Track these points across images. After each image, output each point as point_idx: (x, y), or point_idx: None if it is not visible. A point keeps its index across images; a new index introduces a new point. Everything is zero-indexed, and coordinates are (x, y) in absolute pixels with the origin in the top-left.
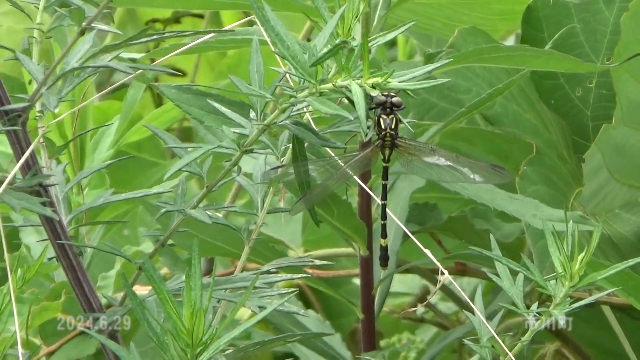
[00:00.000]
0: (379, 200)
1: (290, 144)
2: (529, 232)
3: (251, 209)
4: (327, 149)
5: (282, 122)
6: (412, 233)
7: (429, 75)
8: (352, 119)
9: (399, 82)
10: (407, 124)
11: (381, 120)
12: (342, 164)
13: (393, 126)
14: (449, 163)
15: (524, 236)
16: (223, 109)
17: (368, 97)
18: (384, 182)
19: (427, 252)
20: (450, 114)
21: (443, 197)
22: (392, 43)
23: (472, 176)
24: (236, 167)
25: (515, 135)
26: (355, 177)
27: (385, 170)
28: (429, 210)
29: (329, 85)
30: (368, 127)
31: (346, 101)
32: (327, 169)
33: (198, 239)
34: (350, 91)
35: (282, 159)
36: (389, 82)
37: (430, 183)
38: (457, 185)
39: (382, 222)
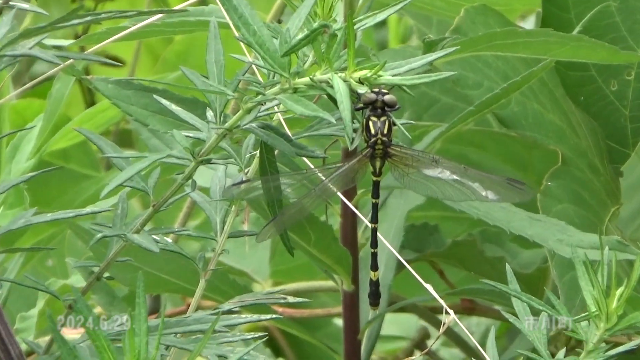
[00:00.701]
0: (367, 222)
1: (257, 153)
2: (553, 262)
3: (208, 233)
4: (304, 159)
5: (247, 125)
6: (408, 262)
7: (430, 67)
8: (334, 121)
9: (393, 75)
10: (402, 127)
11: (371, 123)
12: (323, 178)
13: (385, 130)
14: (454, 177)
15: (547, 266)
16: (173, 107)
17: (354, 95)
18: (374, 201)
19: (428, 286)
20: (455, 112)
21: (446, 217)
22: (382, 22)
23: (483, 193)
24: (190, 181)
25: (536, 141)
26: (338, 193)
27: (376, 186)
28: (429, 234)
29: (306, 79)
30: (354, 132)
31: (327, 98)
32: (304, 184)
33: (142, 272)
34: (331, 87)
35: (246, 171)
36: (379, 76)
37: (431, 200)
38: (464, 203)
39: (372, 250)
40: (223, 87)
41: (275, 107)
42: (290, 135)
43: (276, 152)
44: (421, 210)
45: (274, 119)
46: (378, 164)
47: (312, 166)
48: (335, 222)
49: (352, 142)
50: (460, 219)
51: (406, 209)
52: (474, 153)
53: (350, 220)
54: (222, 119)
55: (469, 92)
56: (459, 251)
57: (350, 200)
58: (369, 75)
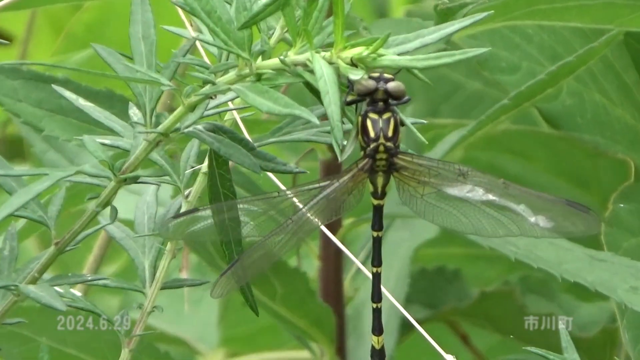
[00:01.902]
0: (359, 264)
1: (203, 168)
2: (624, 320)
3: (132, 282)
4: (271, 176)
5: (190, 129)
6: (418, 322)
7: (448, 42)
8: (316, 121)
9: (398, 55)
10: (412, 128)
11: (369, 122)
12: (299, 206)
13: (390, 132)
14: (490, 197)
15: (616, 327)
16: (80, 103)
17: (344, 83)
18: (375, 234)
19: (448, 358)
20: (485, 103)
21: (471, 257)
22: None
23: (532, 219)
24: (108, 209)
25: (598, 146)
26: (321, 226)
27: (378, 213)
28: (447, 282)
29: (274, 61)
30: (345, 136)
31: (304, 88)
32: (271, 216)
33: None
34: (311, 72)
35: (187, 194)
36: (380, 56)
37: (448, 232)
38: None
39: (374, 304)
40: (154, 74)
41: (230, 103)
42: (252, 141)
43: (231, 165)
44: (434, 246)
45: (226, 118)
46: (380, 180)
47: (283, 187)
48: (312, 266)
49: (342, 151)
50: (490, 259)
51: (413, 246)
52: (511, 163)
53: (333, 263)
54: (153, 119)
55: (501, 77)
56: (489, 307)
57: (334, 234)
58: (365, 54)
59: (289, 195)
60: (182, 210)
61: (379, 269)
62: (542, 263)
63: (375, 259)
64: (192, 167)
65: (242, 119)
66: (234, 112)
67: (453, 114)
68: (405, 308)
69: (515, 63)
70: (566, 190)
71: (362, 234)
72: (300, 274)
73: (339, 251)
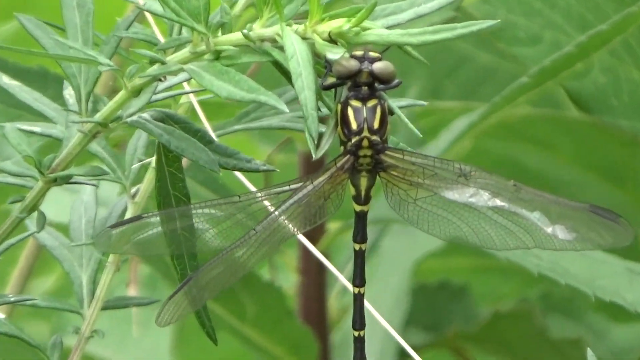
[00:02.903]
0: (345, 282)
1: (153, 163)
2: None
3: (66, 301)
4: (238, 175)
5: (135, 117)
6: (417, 349)
7: (458, 9)
8: (284, 108)
9: (387, 28)
10: (404, 118)
11: (350, 111)
12: (270, 209)
13: (376, 123)
14: (498, 203)
15: None
16: (5, 82)
17: (322, 62)
18: (358, 247)
19: None
20: (498, 82)
21: (481, 270)
22: None
23: (549, 229)
24: (35, 214)
25: (637, 133)
26: (298, 235)
27: (361, 221)
28: (452, 299)
29: (236, 36)
30: (322, 127)
31: (272, 68)
32: (238, 221)
33: None
34: (281, 48)
35: (133, 194)
36: (365, 30)
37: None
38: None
39: (356, 332)
40: (91, 51)
41: (185, 85)
42: (213, 129)
43: (184, 162)
44: (438, 257)
45: (182, 102)
46: (364, 182)
47: (252, 187)
48: (289, 280)
49: (318, 146)
50: (504, 272)
51: (413, 257)
52: (531, 156)
53: (315, 277)
54: (89, 106)
55: (519, 49)
56: (503, 329)
57: (315, 244)
58: (346, 28)
59: (254, 200)
60: (128, 212)
61: (361, 289)
62: (571, 278)
63: (358, 277)
64: (141, 161)
65: (202, 102)
66: (191, 95)
67: (459, 93)
68: (404, 331)
69: (536, 33)
70: (597, 187)
71: (349, 245)
72: (275, 290)
73: (321, 265)
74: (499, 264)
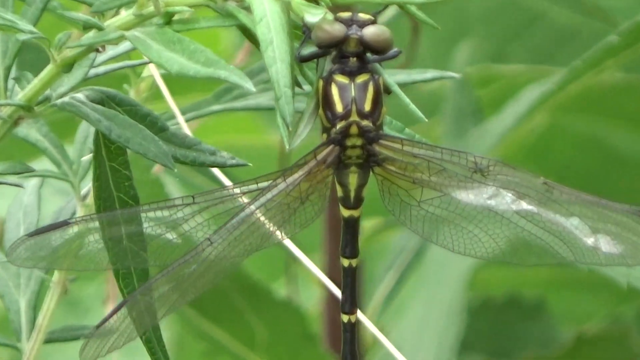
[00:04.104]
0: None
1: (92, 156)
2: None
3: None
4: (218, 174)
5: (65, 99)
6: None
7: None
8: (250, 86)
9: None
10: (405, 98)
11: (335, 88)
12: (246, 205)
13: (368, 105)
14: (525, 205)
15: None
16: None
17: (299, 26)
18: (347, 262)
19: None
20: (578, 43)
21: (558, 281)
22: None
23: (589, 240)
24: None
25: None
26: (289, 246)
27: (351, 230)
28: (524, 317)
29: None
30: (298, 112)
31: (240, 35)
32: (194, 227)
33: None
34: (248, 9)
35: (84, 191)
36: None
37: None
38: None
39: None
40: (9, 15)
41: (133, 57)
42: (179, 115)
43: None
44: (502, 266)
45: (145, 75)
46: (353, 179)
47: (228, 182)
48: (311, 298)
49: (292, 135)
50: (589, 285)
51: (470, 265)
52: (622, 134)
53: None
54: (10, 83)
55: (608, 1)
56: (591, 354)
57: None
58: None
59: (212, 201)
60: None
61: (352, 317)
62: None
63: (347, 301)
64: (87, 158)
65: (167, 77)
66: (152, 67)
67: (530, 58)
68: (461, 357)
69: None
70: None
71: (390, 244)
72: (292, 309)
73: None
74: (581, 275)
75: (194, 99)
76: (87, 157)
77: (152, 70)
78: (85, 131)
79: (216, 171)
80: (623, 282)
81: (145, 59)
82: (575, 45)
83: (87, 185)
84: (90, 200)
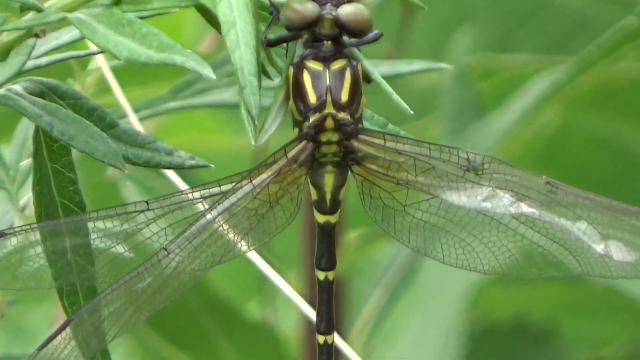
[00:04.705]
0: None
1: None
2: None
3: None
4: (169, 172)
5: (1, 91)
6: None
7: None
8: (209, 73)
9: None
10: (387, 87)
11: (307, 76)
12: (205, 214)
13: (345, 95)
14: (525, 208)
15: None
16: None
17: (266, 6)
18: (323, 275)
19: None
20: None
21: (570, 301)
22: None
23: (599, 247)
24: None
25: None
26: (248, 250)
27: (326, 236)
28: (533, 342)
29: None
30: (264, 105)
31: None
32: (148, 237)
33: None
34: None
35: (23, 201)
36: None
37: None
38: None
39: None
40: None
41: (90, 44)
42: (131, 113)
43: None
44: (506, 284)
45: (92, 67)
46: (329, 180)
47: (184, 186)
48: (289, 320)
49: (259, 130)
50: (605, 304)
51: (471, 283)
52: None
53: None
54: None
55: None
56: None
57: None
58: None
59: (168, 208)
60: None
61: (328, 338)
62: None
63: (324, 320)
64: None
65: (120, 69)
66: (100, 57)
67: (536, 46)
68: None
69: None
70: None
71: (379, 258)
72: (267, 333)
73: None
74: (597, 293)
75: (149, 96)
76: (27, 161)
77: (100, 62)
78: (24, 131)
79: (174, 175)
80: None
81: (93, 49)
82: (589, 33)
83: (27, 194)
84: (30, 210)
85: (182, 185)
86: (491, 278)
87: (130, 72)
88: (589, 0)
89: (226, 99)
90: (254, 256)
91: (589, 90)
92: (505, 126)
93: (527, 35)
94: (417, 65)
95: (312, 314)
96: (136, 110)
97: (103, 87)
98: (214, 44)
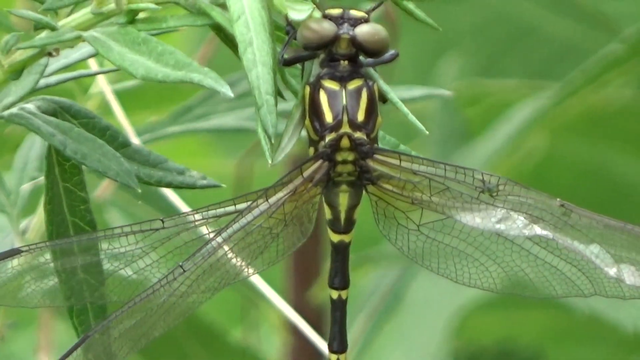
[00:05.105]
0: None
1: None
2: None
3: None
4: (169, 191)
5: (12, 110)
6: None
7: None
8: (228, 92)
9: None
10: (403, 108)
11: (324, 95)
12: (211, 237)
13: (361, 115)
14: (539, 230)
15: None
16: None
17: (283, 26)
18: (336, 294)
19: None
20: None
21: (557, 327)
22: None
23: (612, 271)
24: None
25: None
26: (249, 276)
27: (340, 256)
28: None
29: None
30: (282, 122)
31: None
32: (163, 256)
33: None
34: (223, 6)
35: (24, 224)
36: None
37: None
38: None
39: None
40: None
41: (92, 64)
42: (134, 136)
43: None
44: (493, 308)
45: (89, 94)
46: (344, 199)
47: (185, 207)
48: (272, 345)
49: (277, 148)
50: (592, 330)
51: (457, 306)
52: (630, 160)
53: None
54: None
55: (609, 4)
56: None
57: (306, 286)
58: None
59: (183, 226)
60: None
61: (341, 356)
62: None
63: (336, 339)
64: (34, 180)
65: (122, 92)
66: (101, 78)
67: (522, 73)
68: None
69: None
70: None
71: (364, 283)
72: (249, 357)
73: (318, 311)
74: (581, 320)
75: (149, 120)
76: (28, 185)
77: (102, 85)
78: (25, 156)
79: (171, 196)
80: (629, 327)
81: (99, 68)
82: (575, 59)
83: (27, 218)
84: (31, 234)
85: (184, 207)
86: (476, 304)
87: (131, 96)
88: (574, 27)
89: (226, 123)
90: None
91: (575, 116)
92: (491, 152)
93: (512, 62)
94: (418, 91)
95: (304, 335)
96: (137, 134)
97: (104, 111)
98: (203, 63)
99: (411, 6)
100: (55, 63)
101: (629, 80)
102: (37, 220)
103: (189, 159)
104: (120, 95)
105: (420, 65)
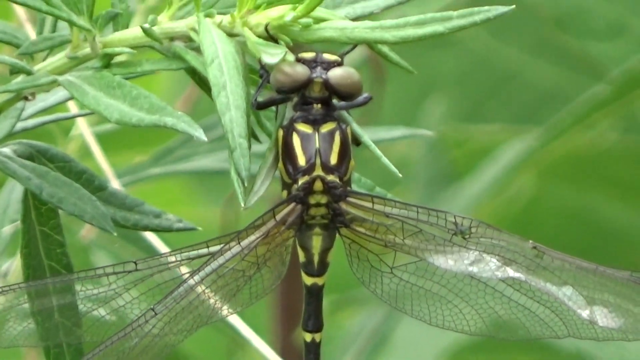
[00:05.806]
0: None
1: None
2: None
3: None
4: (148, 233)
5: None
6: None
7: None
8: (201, 135)
9: (352, 19)
10: (376, 151)
11: (297, 138)
12: (189, 278)
13: (334, 158)
14: (512, 272)
15: None
16: None
17: (256, 69)
18: (309, 337)
19: None
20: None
21: None
22: None
23: (584, 313)
24: None
25: None
26: (234, 311)
27: (314, 298)
28: None
29: (133, 32)
30: (253, 166)
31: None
32: (135, 298)
33: None
34: (198, 49)
35: (5, 267)
36: (318, 22)
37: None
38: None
39: None
40: None
41: (72, 106)
42: (114, 179)
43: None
44: (478, 350)
45: (74, 133)
46: (317, 242)
47: (165, 248)
48: None
49: (248, 194)
50: None
51: (443, 348)
52: (615, 204)
53: None
54: None
55: (594, 44)
56: None
57: (292, 328)
58: (289, 18)
59: (156, 268)
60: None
61: None
62: None
63: None
64: (15, 222)
65: (103, 135)
66: (80, 121)
67: (506, 118)
68: None
69: (618, 20)
70: None
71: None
72: None
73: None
74: (568, 358)
75: (130, 162)
76: (7, 227)
77: (82, 128)
78: (6, 199)
79: (151, 239)
80: None
81: (77, 111)
82: (559, 103)
83: (9, 261)
84: (12, 277)
85: (163, 247)
86: (461, 347)
87: (112, 138)
88: (558, 72)
89: (208, 165)
90: (227, 320)
91: (560, 159)
92: (477, 194)
93: (497, 106)
94: (398, 131)
95: None
96: (118, 176)
97: (85, 153)
98: (186, 106)
99: (385, 49)
100: (32, 106)
101: (614, 123)
102: (18, 263)
103: (174, 207)
104: (103, 136)
105: (406, 109)
